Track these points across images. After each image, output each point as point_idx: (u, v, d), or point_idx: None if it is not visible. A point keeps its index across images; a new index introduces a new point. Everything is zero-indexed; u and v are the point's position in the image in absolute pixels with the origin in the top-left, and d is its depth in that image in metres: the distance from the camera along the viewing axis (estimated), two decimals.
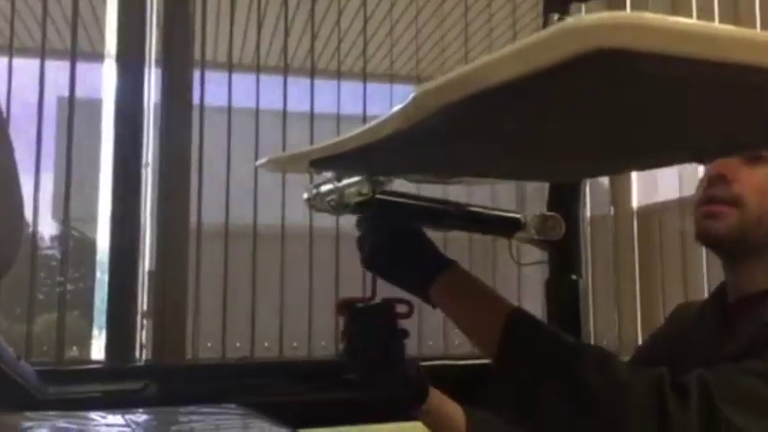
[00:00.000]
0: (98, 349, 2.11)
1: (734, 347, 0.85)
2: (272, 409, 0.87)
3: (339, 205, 1.00)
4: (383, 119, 0.70)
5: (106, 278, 2.19)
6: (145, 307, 2.06)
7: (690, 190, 2.50)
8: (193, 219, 2.20)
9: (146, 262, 2.19)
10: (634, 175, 2.46)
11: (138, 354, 1.98)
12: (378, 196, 0.97)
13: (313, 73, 2.42)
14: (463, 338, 1.75)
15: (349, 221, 1.10)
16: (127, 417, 0.69)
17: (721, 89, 0.52)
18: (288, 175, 2.34)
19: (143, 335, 2.02)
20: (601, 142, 0.76)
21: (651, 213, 2.52)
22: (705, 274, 2.41)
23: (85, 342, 2.49)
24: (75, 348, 2.50)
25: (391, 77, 2.53)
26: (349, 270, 2.18)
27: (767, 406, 0.75)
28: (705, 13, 2.55)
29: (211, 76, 2.36)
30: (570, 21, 0.47)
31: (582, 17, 0.47)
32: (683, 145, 0.76)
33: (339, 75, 2.46)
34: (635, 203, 2.54)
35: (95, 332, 2.40)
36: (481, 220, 1.09)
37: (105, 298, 2.13)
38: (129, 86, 2.23)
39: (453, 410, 1.00)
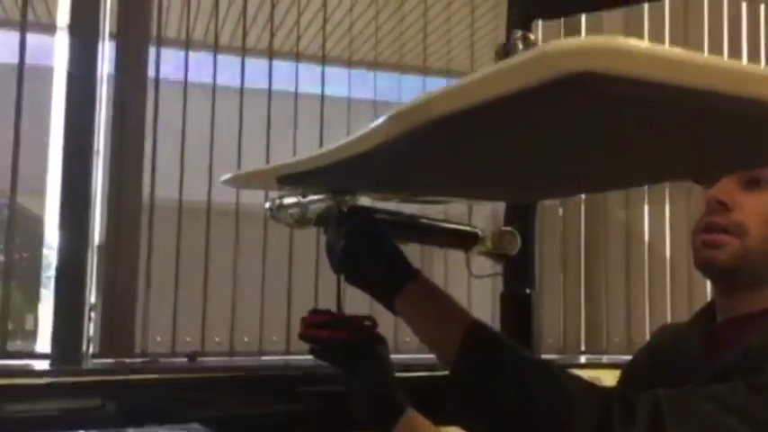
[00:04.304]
0: (44, 342, 2.07)
1: (715, 371, 0.84)
2: (237, 424, 0.87)
3: (302, 219, 1.01)
4: (355, 138, 0.70)
5: (52, 254, 2.16)
6: (94, 289, 2.04)
7: None
8: (146, 195, 2.17)
9: (95, 236, 2.15)
10: None
11: (84, 347, 1.96)
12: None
13: (271, 53, 2.40)
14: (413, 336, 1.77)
15: None
16: None
17: (696, 115, 0.53)
18: (244, 156, 2.32)
19: (90, 328, 1.99)
20: (573, 167, 0.76)
21: (598, 202, 2.58)
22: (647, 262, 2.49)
23: (27, 320, 2.43)
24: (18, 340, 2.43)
25: (350, 63, 2.52)
26: (302, 255, 2.19)
27: None
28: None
29: (167, 52, 2.31)
30: (550, 44, 0.47)
31: (561, 41, 0.46)
32: (653, 169, 0.76)
33: (297, 55, 2.44)
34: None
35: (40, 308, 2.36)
36: (441, 233, 1.11)
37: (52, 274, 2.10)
38: (82, 59, 2.18)
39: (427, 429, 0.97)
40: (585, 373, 2.34)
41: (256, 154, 2.33)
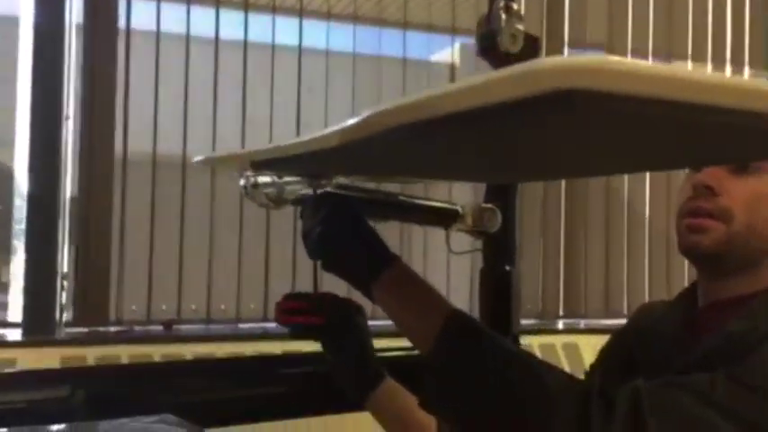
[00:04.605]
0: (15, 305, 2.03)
1: (696, 356, 0.84)
2: (210, 411, 0.86)
3: (278, 200, 0.98)
4: (330, 131, 0.68)
5: (18, 201, 2.12)
6: (66, 252, 2.00)
7: None
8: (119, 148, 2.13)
9: (67, 189, 2.11)
10: None
11: (58, 316, 1.93)
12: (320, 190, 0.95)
13: (247, 4, 2.33)
14: None
15: None
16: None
17: (682, 124, 0.53)
18: (219, 108, 2.27)
19: (63, 296, 1.96)
20: (560, 159, 0.75)
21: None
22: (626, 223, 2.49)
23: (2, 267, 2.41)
24: None
25: (329, 16, 2.46)
26: (280, 218, 2.16)
27: (696, 427, 0.74)
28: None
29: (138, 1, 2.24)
30: (538, 62, 0.48)
31: (550, 59, 0.47)
32: (640, 162, 0.76)
33: (274, 8, 2.38)
34: None
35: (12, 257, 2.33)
36: (420, 211, 1.09)
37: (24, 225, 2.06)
38: (50, 9, 2.11)
39: (410, 403, 0.98)
40: (563, 339, 2.37)
41: (231, 106, 2.29)
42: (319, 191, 0.92)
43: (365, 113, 0.63)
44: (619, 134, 0.59)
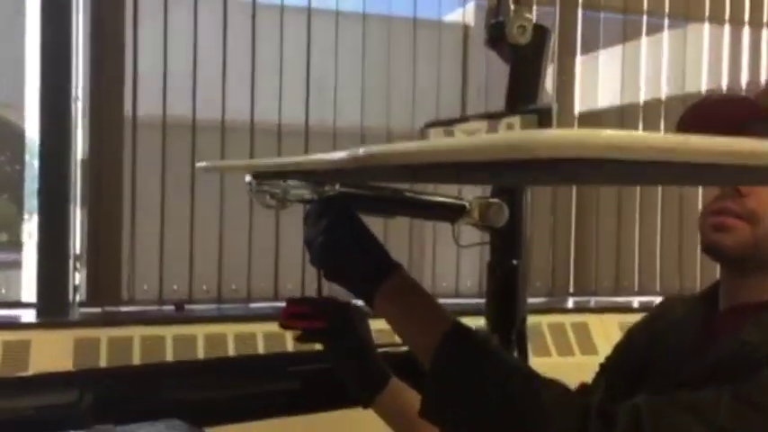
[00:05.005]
0: (29, 285, 2.04)
1: (709, 361, 0.85)
2: (220, 408, 0.87)
3: (282, 200, 0.98)
4: (326, 158, 0.68)
5: (35, 162, 2.13)
6: (78, 229, 2.00)
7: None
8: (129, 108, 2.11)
9: (78, 150, 2.12)
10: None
11: (71, 296, 1.94)
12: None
13: None
14: None
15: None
16: None
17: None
18: (229, 67, 2.24)
19: (76, 276, 1.97)
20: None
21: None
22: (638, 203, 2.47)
23: (15, 228, 2.44)
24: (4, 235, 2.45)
25: None
26: None
27: None
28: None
29: None
30: (530, 134, 0.49)
31: (539, 132, 0.48)
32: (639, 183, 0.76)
33: None
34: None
35: (25, 216, 2.35)
36: (427, 206, 1.09)
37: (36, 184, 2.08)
38: None
39: (415, 402, 1.01)
40: (572, 318, 2.34)
41: (241, 67, 2.26)
42: (323, 197, 0.92)
43: (360, 151, 0.62)
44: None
